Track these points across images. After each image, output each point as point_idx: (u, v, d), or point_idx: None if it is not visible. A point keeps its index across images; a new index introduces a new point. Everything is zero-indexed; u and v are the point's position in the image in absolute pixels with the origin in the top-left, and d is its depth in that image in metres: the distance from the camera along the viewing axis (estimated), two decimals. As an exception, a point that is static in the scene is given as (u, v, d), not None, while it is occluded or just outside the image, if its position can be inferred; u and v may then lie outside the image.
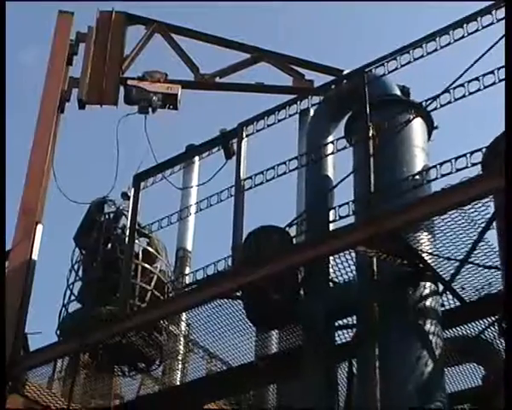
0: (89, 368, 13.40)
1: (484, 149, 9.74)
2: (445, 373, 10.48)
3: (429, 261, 10.31)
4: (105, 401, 13.83)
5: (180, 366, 14.28)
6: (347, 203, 10.54)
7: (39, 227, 13.66)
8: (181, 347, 14.17)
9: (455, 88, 10.18)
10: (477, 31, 10.52)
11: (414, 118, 11.18)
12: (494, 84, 9.92)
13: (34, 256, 13.46)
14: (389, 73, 11.37)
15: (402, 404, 9.62)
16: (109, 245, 13.71)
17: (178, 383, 14.02)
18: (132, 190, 12.85)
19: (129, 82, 14.32)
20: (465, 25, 10.58)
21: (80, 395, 13.55)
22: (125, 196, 13.84)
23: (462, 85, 10.11)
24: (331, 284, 11.11)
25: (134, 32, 14.93)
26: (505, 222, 8.41)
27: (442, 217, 9.90)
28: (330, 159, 12.07)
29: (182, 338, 14.00)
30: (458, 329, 11.77)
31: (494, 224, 9.92)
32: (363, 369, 10.22)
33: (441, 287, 10.59)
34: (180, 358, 14.19)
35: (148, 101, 13.97)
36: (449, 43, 10.73)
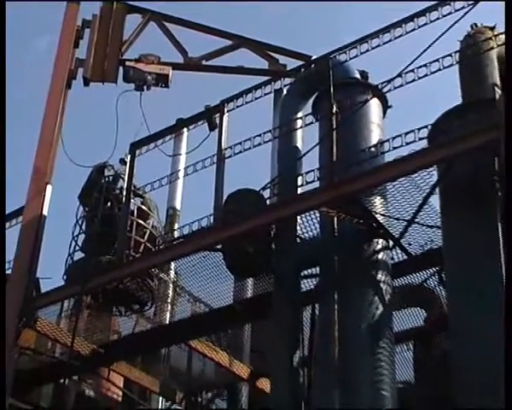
0: (91, 308, 13.41)
1: (429, 126, 9.79)
2: (392, 315, 10.54)
3: (381, 221, 10.34)
4: (104, 336, 13.85)
5: (169, 308, 14.29)
6: (313, 170, 10.60)
7: (49, 187, 13.60)
8: (170, 291, 14.20)
9: (406, 73, 10.20)
10: (425, 24, 10.58)
11: (371, 98, 11.18)
12: (440, 70, 9.99)
13: (44, 212, 13.39)
14: (351, 59, 11.43)
15: (356, 341, 9.73)
16: (108, 204, 13.71)
17: (167, 323, 14.03)
18: (129, 156, 12.78)
19: (127, 63, 14.26)
20: (416, 19, 10.63)
21: (83, 330, 13.57)
22: (122, 161, 13.84)
23: (412, 71, 10.13)
24: (298, 239, 11.13)
25: (132, 20, 14.86)
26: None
27: (393, 183, 9.99)
28: (299, 132, 12.07)
29: (170, 284, 14.04)
30: (405, 278, 11.84)
31: (437, 189, 9.95)
32: (325, 312, 10.28)
33: (391, 243, 10.59)
34: (169, 301, 14.21)
35: (143, 80, 13.92)
36: (401, 35, 10.79)
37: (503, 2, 9.65)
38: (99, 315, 13.78)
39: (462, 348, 9.02)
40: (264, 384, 13.13)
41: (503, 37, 10.07)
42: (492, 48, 10.40)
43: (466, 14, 10.26)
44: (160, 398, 16.66)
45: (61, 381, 15.08)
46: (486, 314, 8.67)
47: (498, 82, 10.14)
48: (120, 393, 16.10)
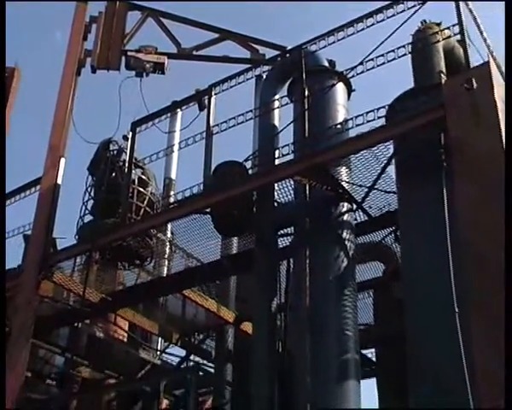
0: (99, 263, 13.43)
1: (386, 107, 9.83)
2: (355, 268, 10.60)
3: (346, 188, 10.41)
4: (111, 287, 13.88)
5: (166, 263, 14.32)
6: (288, 145, 10.65)
7: (62, 160, 13.58)
8: (166, 249, 14.22)
9: (367, 61, 10.21)
10: (383, 20, 10.60)
11: (337, 83, 11.23)
12: (395, 59, 10.02)
13: (59, 181, 13.39)
14: (320, 49, 11.44)
15: (324, 290, 9.81)
16: (113, 174, 13.70)
17: (165, 275, 14.07)
18: (130, 133, 12.78)
19: (128, 53, 14.19)
20: (374, 15, 10.64)
21: (93, 282, 13.58)
22: (125, 138, 13.79)
23: (372, 60, 10.14)
24: (276, 203, 11.18)
25: (132, 17, 14.81)
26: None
27: (356, 155, 10.04)
28: (276, 112, 12.08)
29: (167, 242, 14.06)
30: (366, 237, 11.93)
31: (393, 160, 10.00)
32: (298, 265, 10.36)
33: (354, 206, 10.67)
34: (166, 257, 14.23)
35: (142, 67, 13.87)
36: (363, 29, 10.79)
37: (452, 2, 9.74)
38: (106, 269, 13.79)
39: (414, 292, 9.14)
40: (247, 327, 13.20)
41: (447, 31, 10.16)
42: (439, 41, 10.45)
43: (416, 11, 10.35)
44: (159, 339, 16.75)
45: (75, 324, 15.15)
46: (434, 260, 8.78)
47: (444, 69, 10.21)
48: (125, 335, 16.19)
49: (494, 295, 7.38)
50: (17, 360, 11.86)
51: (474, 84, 8.62)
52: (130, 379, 15.68)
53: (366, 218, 11.18)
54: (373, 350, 13.93)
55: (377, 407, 12.67)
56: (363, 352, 13.13)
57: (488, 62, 8.92)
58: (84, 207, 13.66)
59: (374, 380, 13.32)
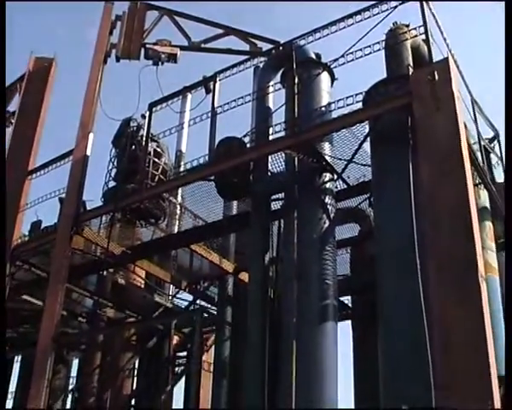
0: (121, 221, 13.45)
1: (363, 93, 9.81)
2: (335, 228, 10.57)
3: (329, 160, 10.39)
4: (131, 242, 13.91)
5: (176, 222, 14.34)
6: (280, 123, 10.64)
7: (91, 135, 13.56)
8: (177, 210, 14.24)
9: (347, 55, 10.19)
10: (361, 21, 10.57)
11: (322, 72, 11.16)
12: (370, 53, 10.01)
13: (88, 153, 13.38)
14: (308, 43, 11.43)
15: (309, 246, 9.83)
16: (133, 147, 13.67)
17: (175, 232, 14.10)
18: (148, 112, 12.74)
19: (147, 45, 14.12)
20: (354, 16, 10.63)
21: (116, 237, 13.60)
22: (143, 116, 13.76)
23: (351, 53, 10.11)
24: (269, 173, 11.16)
25: (151, 15, 14.70)
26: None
27: (337, 133, 10.03)
28: (271, 96, 12.03)
29: (178, 205, 14.08)
30: (345, 202, 11.92)
31: (368, 138, 9.98)
32: (287, 225, 10.36)
33: (335, 176, 10.64)
34: (176, 217, 14.25)
35: (158, 57, 13.80)
36: (344, 27, 10.80)
37: (419, 4, 9.68)
38: (127, 227, 13.82)
39: (384, 249, 9.17)
40: (244, 277, 13.22)
41: (414, 31, 10.24)
42: (407, 39, 10.47)
43: (389, 14, 10.40)
44: (171, 286, 16.80)
45: (101, 272, 15.21)
46: (401, 221, 8.80)
47: (411, 63, 10.18)
48: (142, 282, 16.24)
49: (446, 247, 7.52)
50: (54, 301, 11.92)
51: (436, 76, 8.66)
52: (147, 319, 15.77)
53: (345, 186, 11.15)
54: (349, 297, 13.97)
55: (351, 344, 12.78)
56: (341, 299, 13.17)
57: (447, 58, 8.97)
58: (108, 175, 13.68)
59: (349, 322, 13.40)
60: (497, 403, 6.62)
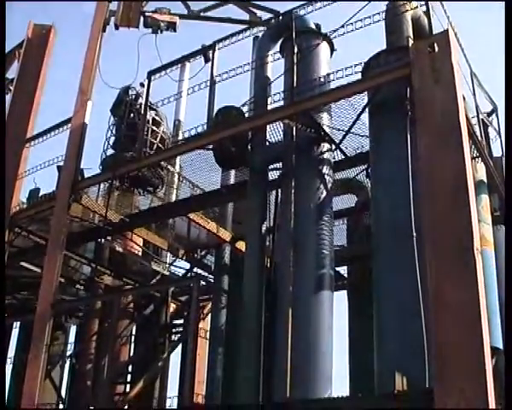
0: (119, 190, 13.43)
1: (362, 64, 9.75)
2: (332, 198, 10.57)
3: (327, 131, 10.36)
4: (129, 210, 13.92)
5: (175, 191, 14.33)
6: (279, 93, 10.57)
7: (89, 103, 13.48)
8: (175, 179, 14.22)
9: (347, 25, 10.10)
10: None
11: (321, 42, 11.09)
12: (370, 24, 9.89)
13: (86, 121, 13.31)
14: (308, 13, 11.36)
15: (306, 215, 9.84)
16: (131, 115, 13.59)
17: (173, 201, 14.10)
18: (146, 81, 12.64)
19: (146, 14, 13.94)
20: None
21: (114, 205, 13.61)
22: (141, 85, 13.63)
23: (351, 24, 10.03)
24: (267, 142, 11.14)
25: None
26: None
27: (336, 103, 9.99)
28: (270, 65, 11.93)
29: (176, 174, 14.05)
30: (343, 173, 11.91)
31: (366, 109, 9.94)
32: (284, 195, 10.34)
33: (333, 147, 10.61)
34: (175, 186, 14.24)
35: (157, 26, 13.65)
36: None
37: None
38: (125, 195, 13.80)
39: (380, 220, 9.18)
40: (241, 245, 13.26)
41: (415, 3, 10.17)
42: (407, 10, 10.38)
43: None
44: (168, 254, 16.85)
45: (99, 240, 15.23)
46: (398, 192, 8.81)
47: (411, 35, 10.12)
48: (140, 249, 16.29)
49: (442, 219, 7.52)
50: (52, 268, 11.95)
51: (436, 48, 8.60)
52: (144, 286, 15.84)
53: (343, 157, 11.13)
54: (345, 267, 14.03)
55: (347, 314, 12.85)
56: (337, 269, 13.23)
57: (447, 30, 8.90)
58: (106, 143, 13.59)
59: (345, 292, 13.48)
60: (489, 375, 6.66)
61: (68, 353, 16.66)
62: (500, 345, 9.21)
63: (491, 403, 6.46)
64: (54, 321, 11.92)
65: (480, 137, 10.30)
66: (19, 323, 17.57)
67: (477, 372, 6.62)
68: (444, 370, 6.81)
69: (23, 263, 15.37)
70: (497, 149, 12.50)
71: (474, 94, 11.22)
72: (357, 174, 11.97)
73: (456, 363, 6.78)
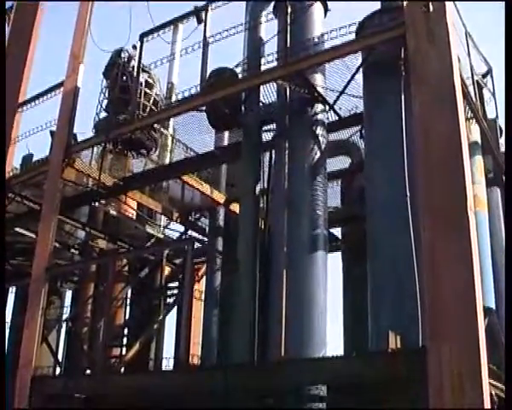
0: (112, 153, 13.39)
1: (357, 23, 9.67)
2: (326, 159, 10.51)
3: (321, 91, 10.29)
4: (122, 173, 13.88)
5: (168, 155, 14.29)
6: (272, 54, 10.50)
7: (81, 66, 13.37)
8: (169, 142, 14.17)
9: (341, -16, 10.01)
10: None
11: (315, 2, 10.98)
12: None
13: (78, 85, 13.21)
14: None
15: (299, 176, 9.84)
16: (124, 77, 13.49)
17: (167, 163, 14.07)
18: (139, 43, 12.52)
19: (138, -26, 13.83)
20: None
21: (108, 169, 13.58)
22: (134, 47, 13.54)
23: (345, -18, 9.93)
24: (261, 103, 11.08)
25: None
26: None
27: (329, 64, 9.93)
28: (263, 26, 11.82)
29: (169, 136, 14.01)
30: (336, 134, 11.87)
31: (361, 70, 9.87)
32: (278, 156, 10.32)
33: (327, 108, 10.55)
34: (168, 149, 14.20)
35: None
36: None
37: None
38: (118, 158, 13.77)
39: (374, 179, 9.18)
40: (235, 207, 13.24)
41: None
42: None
43: None
44: (162, 216, 16.85)
45: (93, 204, 15.23)
46: (392, 152, 8.79)
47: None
48: (134, 213, 16.29)
49: (435, 179, 7.52)
50: (46, 232, 11.96)
51: (431, 8, 8.51)
52: (139, 249, 15.87)
53: (337, 118, 11.06)
54: (339, 229, 14.06)
55: (341, 274, 12.92)
56: (331, 230, 13.26)
57: (443, -11, 8.77)
58: (99, 106, 13.52)
59: (339, 254, 13.52)
60: (482, 333, 6.72)
61: (64, 317, 16.78)
62: (492, 305, 9.29)
63: (483, 361, 6.52)
64: (49, 286, 11.97)
65: (474, 99, 10.26)
66: (14, 288, 17.64)
67: (469, 331, 6.67)
68: (436, 327, 6.87)
69: (17, 229, 15.39)
70: (492, 111, 12.49)
71: (469, 55, 11.13)
72: (351, 136, 11.94)
73: (448, 321, 6.83)
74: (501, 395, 7.26)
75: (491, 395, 6.70)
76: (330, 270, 9.88)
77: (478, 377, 6.40)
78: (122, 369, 11.57)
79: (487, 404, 6.36)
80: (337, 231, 14.15)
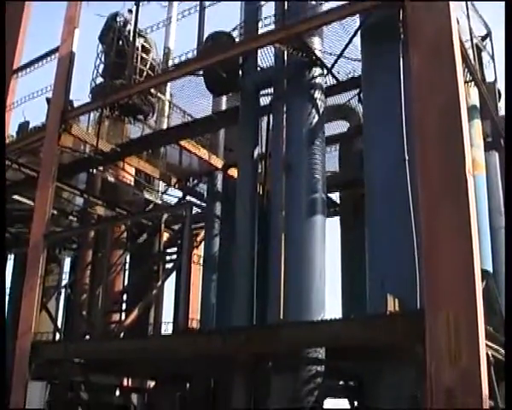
0: (109, 118, 13.33)
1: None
2: (324, 123, 10.40)
3: (319, 55, 10.22)
4: (120, 139, 13.84)
5: (165, 120, 14.25)
6: (269, 17, 10.40)
7: (77, 31, 13.22)
8: (166, 108, 14.11)
9: None
10: None
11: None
12: None
13: (74, 49, 13.09)
14: None
15: (297, 138, 9.79)
16: (120, 42, 13.38)
17: (164, 128, 14.02)
18: (135, 7, 12.39)
19: None
20: None
21: (105, 135, 13.54)
22: (130, 11, 13.43)
23: None
24: (258, 67, 11.01)
25: None
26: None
27: (327, 27, 9.83)
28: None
29: (167, 102, 13.95)
30: (335, 98, 11.81)
31: (359, 33, 9.78)
32: (276, 120, 10.23)
33: (325, 71, 10.47)
34: (165, 114, 14.15)
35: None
36: None
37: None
38: (115, 124, 13.72)
39: (372, 142, 9.15)
40: (233, 172, 13.21)
41: None
42: None
43: None
44: (160, 183, 16.84)
45: (91, 170, 15.22)
46: (390, 114, 8.74)
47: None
48: (132, 179, 16.28)
49: (434, 142, 7.49)
50: (44, 199, 11.95)
51: (430, -31, 8.38)
52: (137, 214, 15.90)
53: (335, 82, 11.01)
54: (337, 194, 14.06)
55: (339, 238, 12.95)
56: (330, 196, 13.26)
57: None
58: (95, 71, 13.44)
59: (337, 219, 13.55)
60: (479, 295, 6.75)
61: (63, 283, 16.89)
62: (490, 268, 9.33)
63: (481, 323, 6.56)
64: (48, 253, 12.00)
65: (473, 62, 10.18)
66: (13, 255, 17.70)
67: (467, 294, 6.70)
68: (434, 291, 6.89)
69: (15, 196, 15.39)
70: (491, 74, 12.42)
71: (469, 17, 11.04)
72: (349, 100, 11.87)
73: (446, 284, 6.85)
74: (497, 357, 7.32)
75: (487, 356, 6.74)
76: (329, 235, 9.91)
77: (475, 340, 6.44)
78: (122, 334, 11.65)
79: (484, 365, 6.41)
80: (335, 196, 14.16)
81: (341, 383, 11.09)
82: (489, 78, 12.21)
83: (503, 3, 8.88)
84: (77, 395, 12.77)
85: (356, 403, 10.91)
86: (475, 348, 6.41)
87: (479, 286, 6.79)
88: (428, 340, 6.66)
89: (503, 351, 7.30)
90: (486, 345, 6.71)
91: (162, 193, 17.09)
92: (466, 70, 9.69)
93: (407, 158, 8.23)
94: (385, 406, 7.60)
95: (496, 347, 7.33)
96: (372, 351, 7.93)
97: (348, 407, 10.98)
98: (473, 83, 10.37)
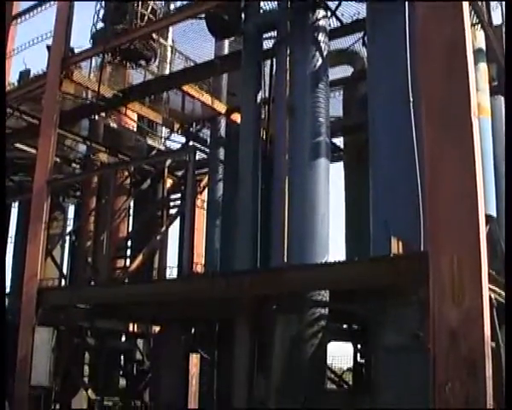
0: (111, 64, 13.17)
1: None
2: (328, 66, 10.19)
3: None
4: (120, 86, 13.70)
5: (168, 65, 14.09)
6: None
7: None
8: (168, 53, 13.95)
9: None
10: None
11: None
12: None
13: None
14: None
15: (301, 83, 9.68)
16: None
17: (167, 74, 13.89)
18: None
19: None
20: None
21: (107, 81, 13.42)
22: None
23: None
24: (261, 10, 10.86)
25: None
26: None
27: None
28: None
29: (169, 48, 13.79)
30: (339, 41, 11.62)
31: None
32: (280, 63, 10.09)
33: (329, 13, 10.29)
34: (168, 60, 13.99)
35: None
36: None
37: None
38: (117, 69, 13.57)
39: (376, 82, 9.00)
40: (236, 117, 13.12)
41: None
42: None
43: None
44: (163, 128, 16.74)
45: (93, 117, 15.13)
46: (395, 58, 8.57)
47: None
48: (135, 125, 16.21)
49: (439, 86, 7.38)
50: (47, 146, 11.91)
51: None
52: (140, 159, 15.87)
53: (339, 24, 10.84)
54: (341, 139, 13.97)
55: (343, 184, 12.90)
56: (333, 141, 13.17)
57: None
58: (96, 16, 13.20)
59: (341, 164, 13.48)
60: (483, 238, 6.74)
61: (68, 230, 16.97)
62: (494, 213, 9.30)
63: (484, 267, 6.57)
64: (51, 201, 12.01)
65: (480, 3, 9.98)
66: (17, 203, 17.74)
67: (471, 237, 6.68)
68: (438, 234, 6.87)
69: (17, 144, 15.34)
70: (498, 18, 12.19)
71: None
72: (353, 43, 11.69)
73: (450, 226, 6.83)
74: (500, 300, 7.35)
75: (490, 299, 6.77)
76: (332, 180, 9.87)
77: (478, 282, 6.45)
78: (126, 280, 11.73)
79: (487, 307, 6.44)
80: (339, 141, 14.07)
81: (345, 326, 11.17)
82: (496, 21, 11.98)
83: None
84: (83, 340, 12.96)
85: (359, 346, 11.00)
86: (479, 290, 6.42)
87: (482, 228, 6.77)
88: (432, 281, 6.67)
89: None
90: (489, 288, 6.73)
91: (165, 139, 17.02)
92: (473, 12, 9.49)
93: (412, 100, 8.12)
94: (388, 345, 7.65)
95: (498, 290, 7.35)
96: (376, 293, 7.96)
97: (351, 349, 11.08)
98: (479, 25, 10.17)
